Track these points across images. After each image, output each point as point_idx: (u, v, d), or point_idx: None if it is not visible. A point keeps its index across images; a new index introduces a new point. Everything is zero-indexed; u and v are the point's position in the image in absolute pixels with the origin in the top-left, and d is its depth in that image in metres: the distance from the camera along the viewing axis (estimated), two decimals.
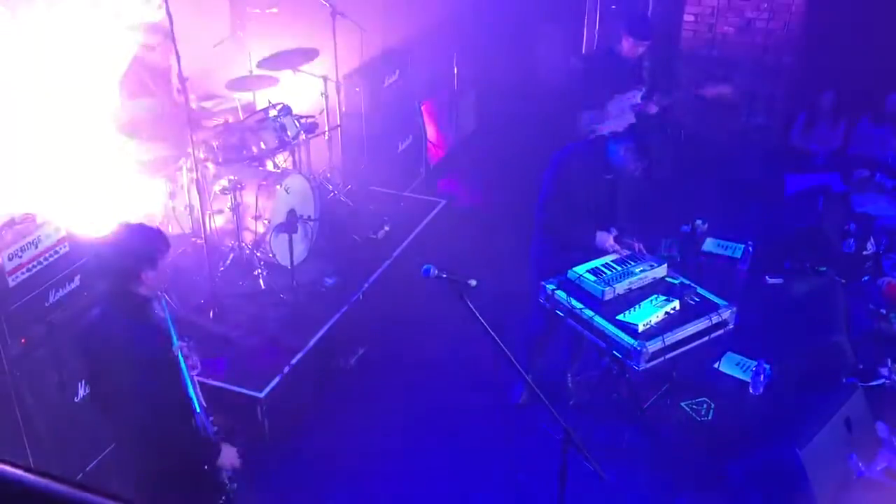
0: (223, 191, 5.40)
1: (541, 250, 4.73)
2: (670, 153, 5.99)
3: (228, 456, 3.27)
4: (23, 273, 3.84)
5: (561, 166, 4.52)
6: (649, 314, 4.19)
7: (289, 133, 5.90)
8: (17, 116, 5.74)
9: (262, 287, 5.52)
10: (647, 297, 4.32)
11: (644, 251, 4.61)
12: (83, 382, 4.13)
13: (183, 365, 3.17)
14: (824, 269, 5.92)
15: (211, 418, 3.27)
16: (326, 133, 6.57)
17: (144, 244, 3.13)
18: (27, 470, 0.94)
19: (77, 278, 4.09)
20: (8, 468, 0.93)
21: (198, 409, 3.18)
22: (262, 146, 5.78)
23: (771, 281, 6.05)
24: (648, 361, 4.04)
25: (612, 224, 4.62)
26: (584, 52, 8.61)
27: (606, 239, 4.57)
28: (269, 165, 6.03)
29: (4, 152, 5.67)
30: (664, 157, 5.66)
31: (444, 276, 3.32)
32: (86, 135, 6.19)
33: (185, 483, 3.22)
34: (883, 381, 4.83)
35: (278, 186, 5.48)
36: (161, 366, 3.08)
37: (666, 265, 4.58)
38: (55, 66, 5.94)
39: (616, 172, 4.47)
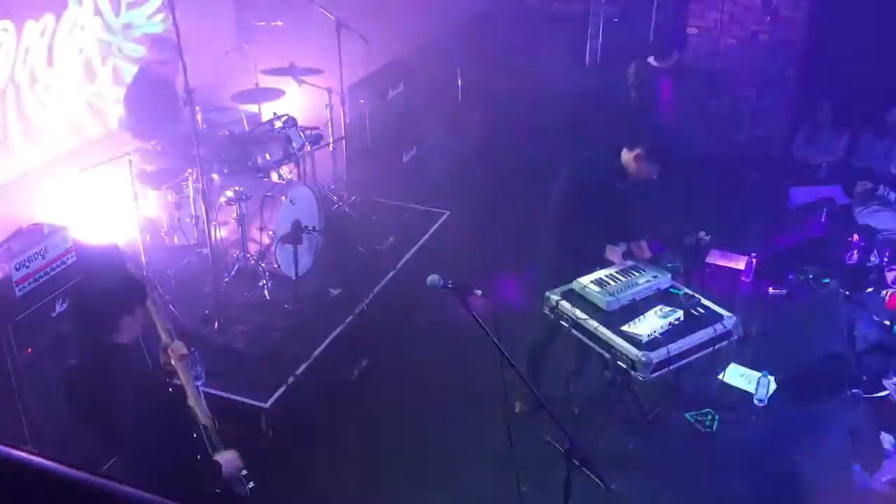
0: (228, 202, 5.43)
1: (549, 257, 4.74)
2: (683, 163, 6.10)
3: (229, 463, 3.18)
4: (30, 283, 3.86)
5: (575, 174, 4.51)
6: (653, 325, 4.19)
7: (294, 144, 5.93)
8: (24, 125, 5.78)
9: (267, 298, 5.54)
10: (651, 308, 4.33)
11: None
12: None
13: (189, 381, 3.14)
14: (828, 280, 5.93)
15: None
16: (331, 144, 6.61)
17: (122, 290, 3.00)
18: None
19: None
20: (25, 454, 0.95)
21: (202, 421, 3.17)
22: (267, 157, 5.81)
23: (774, 292, 6.06)
24: (653, 372, 4.05)
25: (624, 237, 4.62)
26: (587, 64, 8.66)
27: (616, 253, 4.58)
28: (274, 177, 6.06)
29: (13, 162, 5.71)
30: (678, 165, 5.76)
31: (449, 286, 3.33)
32: (93, 146, 6.23)
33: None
34: (887, 392, 4.83)
35: (283, 197, 5.51)
36: (148, 412, 2.94)
37: (670, 276, 4.59)
38: (62, 76, 5.99)
39: (630, 182, 4.46)
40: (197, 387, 3.27)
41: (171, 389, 3.14)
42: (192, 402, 3.18)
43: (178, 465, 3.04)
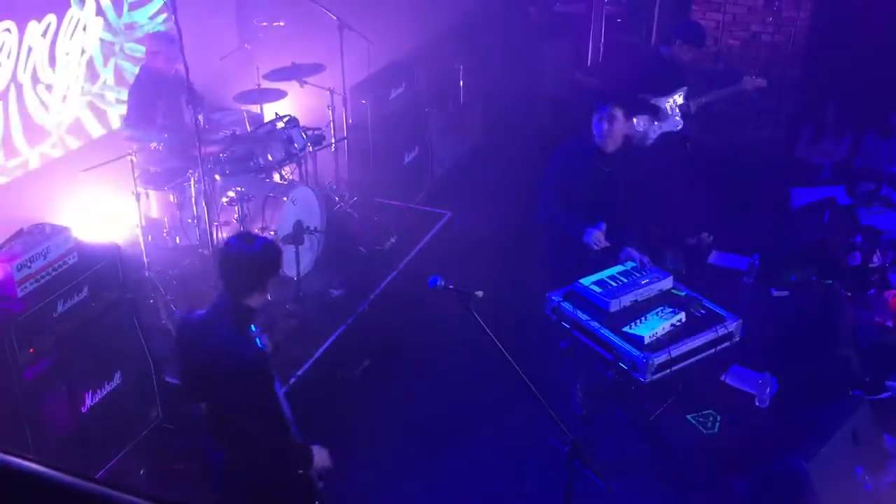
0: (230, 202, 5.43)
1: (546, 250, 4.79)
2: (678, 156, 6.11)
3: (321, 458, 3.34)
4: (32, 283, 3.86)
5: (557, 159, 4.72)
6: (655, 326, 4.19)
7: (296, 145, 5.93)
8: (26, 126, 5.79)
9: (269, 298, 5.52)
10: (653, 310, 4.33)
11: (650, 264, 4.62)
12: (91, 393, 4.15)
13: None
14: (830, 282, 5.92)
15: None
16: (333, 145, 6.61)
17: (274, 253, 3.24)
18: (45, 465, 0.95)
19: (86, 289, 4.11)
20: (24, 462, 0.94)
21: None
22: (269, 158, 5.81)
23: (777, 294, 6.05)
24: (654, 373, 4.05)
25: (607, 220, 4.67)
26: (589, 64, 8.66)
27: (593, 234, 4.57)
28: (276, 177, 6.06)
29: (15, 162, 5.72)
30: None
31: (451, 287, 3.33)
32: (95, 147, 6.24)
33: (282, 488, 3.32)
34: (889, 394, 4.82)
35: (285, 198, 5.51)
36: (256, 377, 3.14)
37: (672, 277, 4.58)
38: (64, 77, 6.00)
39: (614, 163, 4.60)
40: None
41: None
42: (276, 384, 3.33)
43: (274, 441, 3.21)
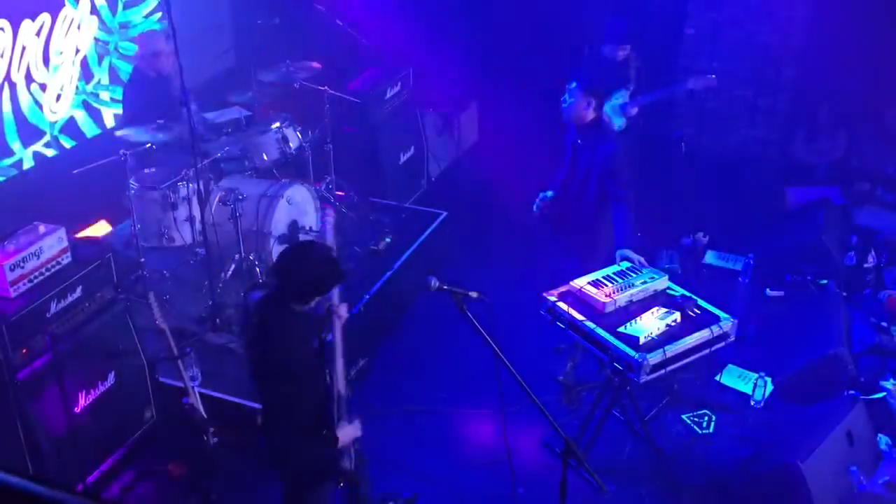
0: (225, 202, 5.41)
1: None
2: (637, 152, 6.12)
3: (346, 436, 3.33)
4: (25, 283, 3.85)
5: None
6: (650, 326, 4.19)
7: (291, 144, 5.91)
8: (20, 125, 5.77)
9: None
10: (648, 309, 4.32)
11: (645, 263, 4.62)
12: (84, 393, 4.14)
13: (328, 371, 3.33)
14: (825, 282, 5.93)
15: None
16: (329, 144, 6.59)
17: (326, 273, 3.21)
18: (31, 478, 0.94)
19: (79, 289, 4.10)
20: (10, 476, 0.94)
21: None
22: (264, 157, 5.80)
23: (772, 294, 6.06)
24: (649, 374, 4.04)
25: (569, 190, 4.92)
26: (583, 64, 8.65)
27: (540, 197, 4.98)
28: (272, 177, 6.04)
29: (9, 162, 5.70)
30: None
31: (446, 287, 3.32)
32: (89, 146, 6.22)
33: (316, 473, 3.37)
34: (884, 394, 4.82)
35: (280, 198, 5.49)
36: (303, 371, 3.16)
37: (667, 277, 4.58)
38: (59, 76, 5.98)
39: (581, 138, 4.82)
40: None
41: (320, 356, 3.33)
42: (339, 366, 3.35)
43: (309, 429, 3.22)
